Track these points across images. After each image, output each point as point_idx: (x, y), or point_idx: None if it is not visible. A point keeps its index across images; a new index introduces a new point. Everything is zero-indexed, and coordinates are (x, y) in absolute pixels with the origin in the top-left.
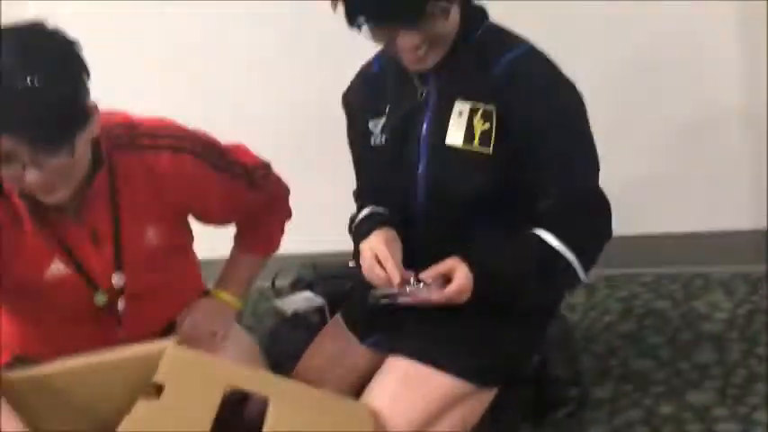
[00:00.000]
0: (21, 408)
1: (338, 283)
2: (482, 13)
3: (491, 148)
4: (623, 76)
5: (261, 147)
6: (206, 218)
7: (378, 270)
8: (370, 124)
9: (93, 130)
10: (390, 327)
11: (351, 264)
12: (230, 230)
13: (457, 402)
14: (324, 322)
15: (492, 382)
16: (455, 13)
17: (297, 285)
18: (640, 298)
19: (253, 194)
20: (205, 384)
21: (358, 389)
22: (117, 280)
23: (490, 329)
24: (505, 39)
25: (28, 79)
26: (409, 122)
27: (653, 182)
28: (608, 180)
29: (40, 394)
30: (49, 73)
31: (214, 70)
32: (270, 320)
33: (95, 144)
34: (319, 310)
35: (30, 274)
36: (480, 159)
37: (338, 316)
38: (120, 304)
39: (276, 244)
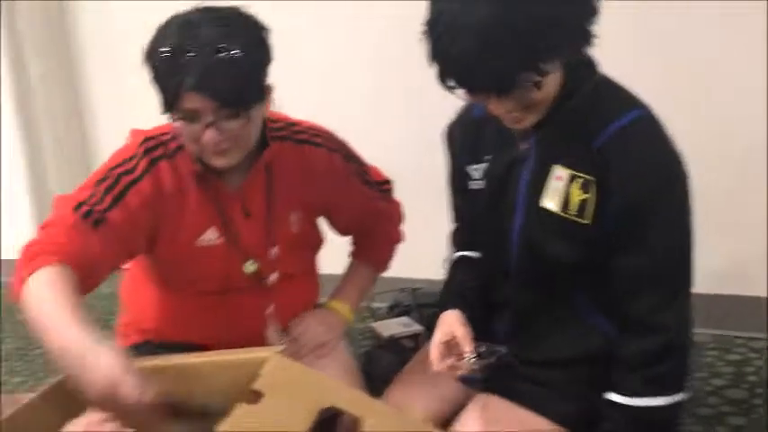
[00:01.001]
0: None
1: (436, 312)
2: (590, 66)
3: (588, 218)
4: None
5: None
6: (337, 219)
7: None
8: (469, 168)
9: (266, 108)
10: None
11: None
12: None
13: None
14: (418, 349)
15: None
16: (551, 79)
17: (395, 309)
18: (753, 364)
19: (381, 204)
20: (302, 398)
21: (447, 418)
22: (272, 253)
23: (586, 379)
24: (614, 101)
25: (229, 48)
26: (509, 173)
27: None
28: (732, 238)
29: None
30: (246, 45)
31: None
32: (364, 341)
33: (263, 127)
34: (415, 336)
35: (184, 239)
36: (575, 227)
37: None
38: (273, 277)
39: (388, 261)
